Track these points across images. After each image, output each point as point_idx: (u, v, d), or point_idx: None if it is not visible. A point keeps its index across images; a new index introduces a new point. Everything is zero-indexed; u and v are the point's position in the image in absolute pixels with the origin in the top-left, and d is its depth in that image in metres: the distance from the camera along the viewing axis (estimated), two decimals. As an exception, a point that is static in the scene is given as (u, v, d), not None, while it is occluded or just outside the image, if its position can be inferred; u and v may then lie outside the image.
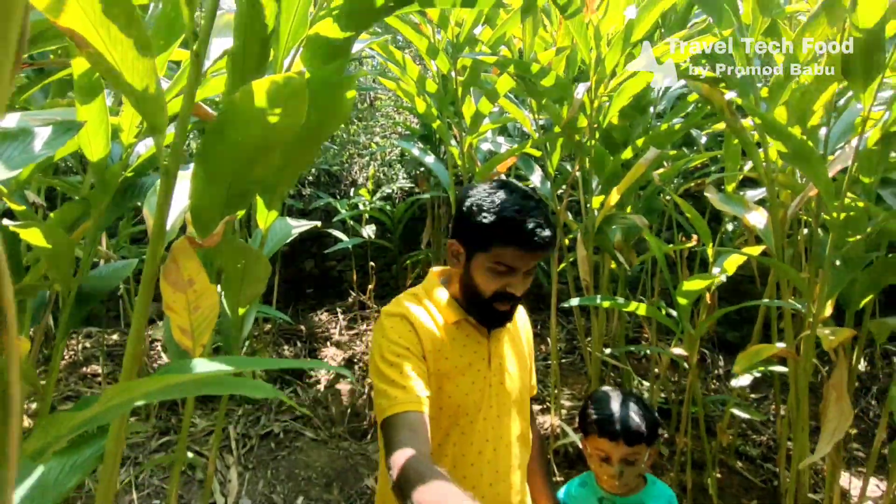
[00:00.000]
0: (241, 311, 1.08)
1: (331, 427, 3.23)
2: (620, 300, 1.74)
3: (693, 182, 2.24)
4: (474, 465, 1.04)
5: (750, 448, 2.51)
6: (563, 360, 3.33)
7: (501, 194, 1.00)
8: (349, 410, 3.34)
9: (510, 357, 1.11)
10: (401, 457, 0.83)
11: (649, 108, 1.94)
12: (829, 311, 1.46)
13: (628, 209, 2.08)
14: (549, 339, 2.88)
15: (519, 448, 1.10)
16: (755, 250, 1.70)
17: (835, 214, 1.31)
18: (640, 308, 1.63)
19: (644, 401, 1.34)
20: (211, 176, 0.76)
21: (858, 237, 1.41)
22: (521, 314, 1.21)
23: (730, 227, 2.47)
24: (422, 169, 3.78)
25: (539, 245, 0.96)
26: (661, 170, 2.01)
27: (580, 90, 1.46)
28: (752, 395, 3.12)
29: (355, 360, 3.65)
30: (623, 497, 1.32)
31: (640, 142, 1.75)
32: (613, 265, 2.13)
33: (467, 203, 1.02)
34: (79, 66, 0.85)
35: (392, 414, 0.90)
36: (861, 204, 1.41)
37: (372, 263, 3.54)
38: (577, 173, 1.86)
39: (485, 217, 0.98)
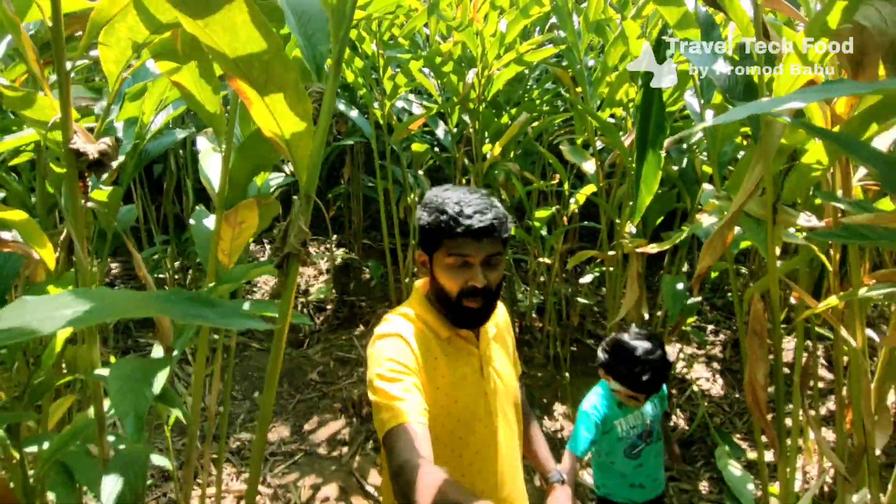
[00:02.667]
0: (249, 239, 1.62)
1: (270, 339, 3.81)
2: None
3: (558, 136, 2.96)
4: (481, 473, 1.06)
5: (598, 329, 3.46)
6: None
7: (445, 194, 1.05)
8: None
9: (499, 357, 1.13)
10: (403, 464, 0.84)
11: (524, 83, 2.58)
12: (629, 227, 2.25)
13: (511, 154, 2.76)
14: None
15: (515, 443, 1.14)
16: (589, 189, 2.45)
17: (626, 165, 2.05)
18: (512, 230, 2.35)
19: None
20: (246, 158, 1.29)
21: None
22: (499, 309, 1.21)
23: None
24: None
25: (483, 230, 0.99)
26: (536, 123, 2.69)
27: (470, 75, 2.05)
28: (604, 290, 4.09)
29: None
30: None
31: (513, 111, 2.40)
32: (505, 197, 2.82)
33: (419, 212, 1.07)
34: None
35: (393, 426, 0.89)
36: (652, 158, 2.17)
37: (300, 198, 4.02)
38: (471, 130, 2.48)
39: (431, 216, 1.02)
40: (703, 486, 2.32)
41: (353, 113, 2.76)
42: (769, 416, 1.19)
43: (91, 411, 1.05)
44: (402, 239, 3.00)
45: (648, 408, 1.64)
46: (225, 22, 0.48)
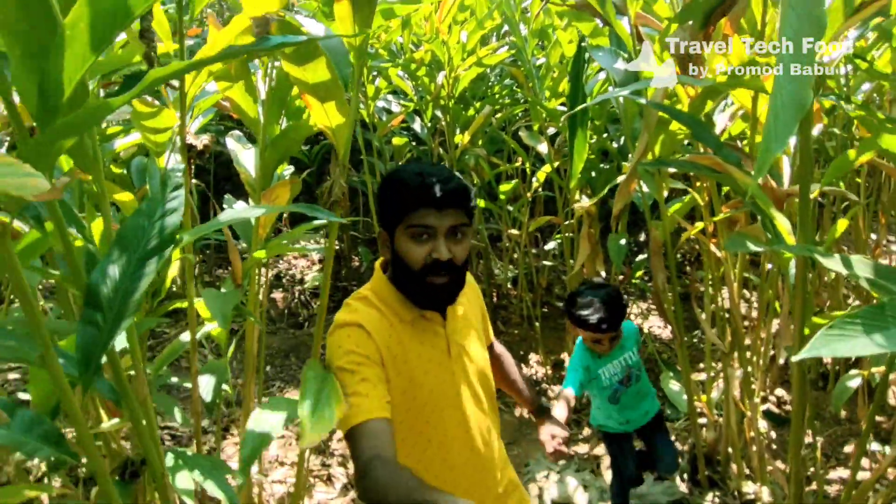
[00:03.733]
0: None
1: (275, 323, 4.21)
2: (480, 202, 2.92)
3: (519, 123, 3.42)
4: (451, 450, 1.04)
5: (564, 291, 3.95)
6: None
7: (404, 167, 1.04)
8: (286, 311, 4.34)
9: (466, 335, 1.10)
10: (366, 464, 0.83)
11: (486, 80, 3.05)
12: (577, 195, 2.72)
13: (479, 142, 3.21)
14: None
15: (490, 419, 1.11)
16: (548, 168, 2.92)
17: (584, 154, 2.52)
18: (481, 203, 2.80)
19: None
20: (276, 150, 1.71)
21: (592, 156, 2.66)
22: (469, 285, 1.18)
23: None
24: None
25: (446, 197, 0.96)
26: (499, 114, 3.15)
27: (440, 77, 2.50)
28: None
29: (281, 275, 4.57)
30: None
31: (479, 104, 2.86)
32: (476, 180, 3.27)
33: (381, 186, 1.04)
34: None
35: (355, 424, 0.88)
36: (590, 138, 2.65)
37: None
38: (444, 124, 2.93)
39: (392, 190, 0.99)
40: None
41: (340, 114, 3.18)
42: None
43: (186, 335, 1.47)
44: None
45: (625, 356, 1.77)
46: (315, 67, 0.91)
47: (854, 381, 1.70)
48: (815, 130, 1.65)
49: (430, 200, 0.96)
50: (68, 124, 0.55)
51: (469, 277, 1.15)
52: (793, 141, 1.40)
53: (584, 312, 1.64)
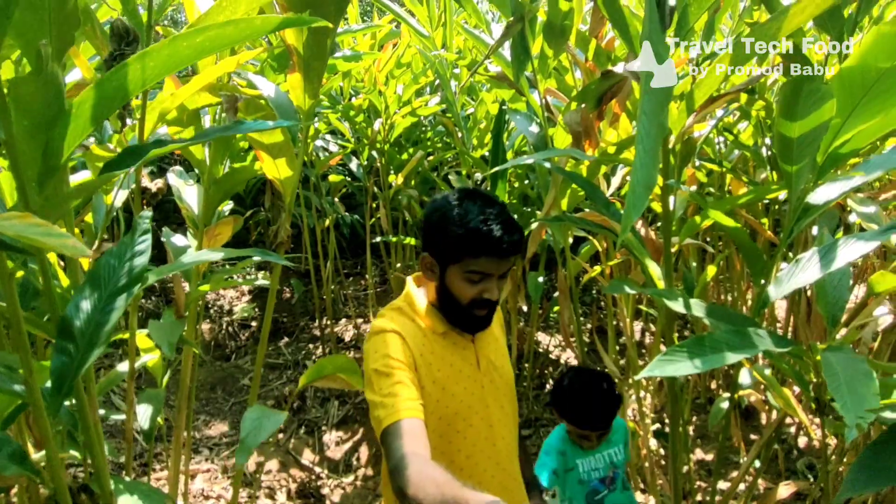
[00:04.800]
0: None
1: (202, 355, 4.16)
2: (406, 239, 3.10)
3: (450, 167, 3.68)
4: (478, 464, 1.06)
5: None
6: (378, 290, 4.68)
7: (466, 205, 1.02)
8: (213, 343, 4.29)
9: (494, 351, 1.14)
10: (400, 461, 0.84)
11: (420, 126, 3.29)
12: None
13: (412, 183, 3.43)
14: (366, 276, 4.18)
15: (512, 435, 1.14)
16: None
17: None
18: (412, 241, 3.00)
19: None
20: (220, 189, 1.82)
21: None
22: None
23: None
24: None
25: (507, 251, 0.99)
26: (431, 158, 3.39)
27: (377, 123, 2.70)
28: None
29: (209, 306, 4.52)
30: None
31: (412, 149, 3.09)
32: (408, 217, 3.47)
33: (435, 217, 1.05)
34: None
35: (390, 423, 0.90)
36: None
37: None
38: (379, 164, 3.12)
39: (453, 230, 1.00)
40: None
41: (278, 150, 3.31)
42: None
43: (123, 365, 1.52)
44: (323, 260, 3.55)
45: (611, 452, 1.58)
46: (273, 135, 1.08)
47: (725, 403, 2.00)
48: (693, 188, 1.99)
49: (494, 251, 0.99)
50: (80, 188, 0.68)
51: None
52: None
53: (574, 406, 1.49)
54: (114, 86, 0.71)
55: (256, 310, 4.61)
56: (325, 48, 1.16)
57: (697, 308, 1.03)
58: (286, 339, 4.23)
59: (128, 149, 0.71)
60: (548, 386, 3.54)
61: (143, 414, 1.45)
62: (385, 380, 0.96)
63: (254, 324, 4.49)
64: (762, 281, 1.19)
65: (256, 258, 1.50)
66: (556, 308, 3.62)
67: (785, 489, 1.50)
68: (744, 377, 1.62)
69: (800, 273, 1.11)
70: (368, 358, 1.02)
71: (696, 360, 0.87)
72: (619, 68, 1.36)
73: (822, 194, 1.07)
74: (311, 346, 4.11)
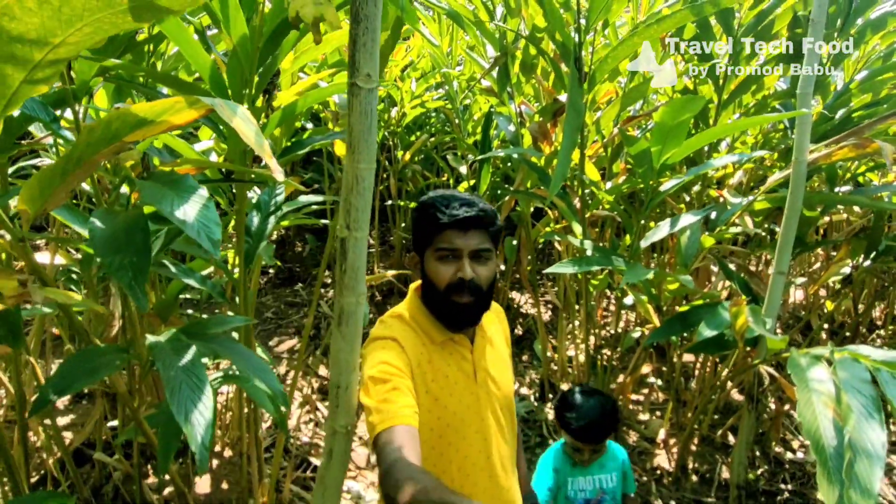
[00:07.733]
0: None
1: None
2: (412, 204, 3.87)
3: (448, 148, 4.44)
4: (469, 476, 1.06)
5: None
6: (381, 248, 5.46)
7: (433, 193, 1.08)
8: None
9: (493, 362, 1.14)
10: (391, 466, 0.83)
11: (427, 114, 4.04)
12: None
13: (417, 160, 4.18)
14: (372, 233, 4.96)
15: (509, 449, 1.14)
16: (464, 185, 3.93)
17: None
18: (412, 204, 3.77)
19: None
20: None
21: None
22: (498, 315, 1.24)
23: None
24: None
25: (470, 220, 1.02)
26: (433, 139, 4.14)
27: (393, 111, 3.44)
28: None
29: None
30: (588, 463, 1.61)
31: (418, 133, 3.84)
32: (411, 187, 4.24)
33: (413, 216, 1.10)
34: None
35: (383, 429, 0.90)
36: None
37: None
38: (391, 143, 3.87)
39: (421, 215, 1.07)
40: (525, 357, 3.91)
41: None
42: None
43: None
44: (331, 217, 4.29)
45: (602, 477, 1.64)
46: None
47: (636, 334, 2.83)
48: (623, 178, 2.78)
49: (455, 223, 1.02)
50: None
51: (497, 307, 1.25)
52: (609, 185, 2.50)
53: (572, 416, 1.58)
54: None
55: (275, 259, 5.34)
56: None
57: (587, 245, 1.84)
58: (300, 284, 5.00)
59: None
60: (517, 332, 4.38)
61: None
62: (381, 386, 0.96)
63: (271, 271, 5.25)
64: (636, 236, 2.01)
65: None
66: (528, 268, 4.44)
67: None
68: (628, 300, 2.45)
69: (658, 232, 1.92)
70: (366, 363, 1.02)
71: (576, 265, 1.68)
72: (563, 97, 2.15)
73: (665, 186, 1.88)
74: (322, 290, 4.89)
